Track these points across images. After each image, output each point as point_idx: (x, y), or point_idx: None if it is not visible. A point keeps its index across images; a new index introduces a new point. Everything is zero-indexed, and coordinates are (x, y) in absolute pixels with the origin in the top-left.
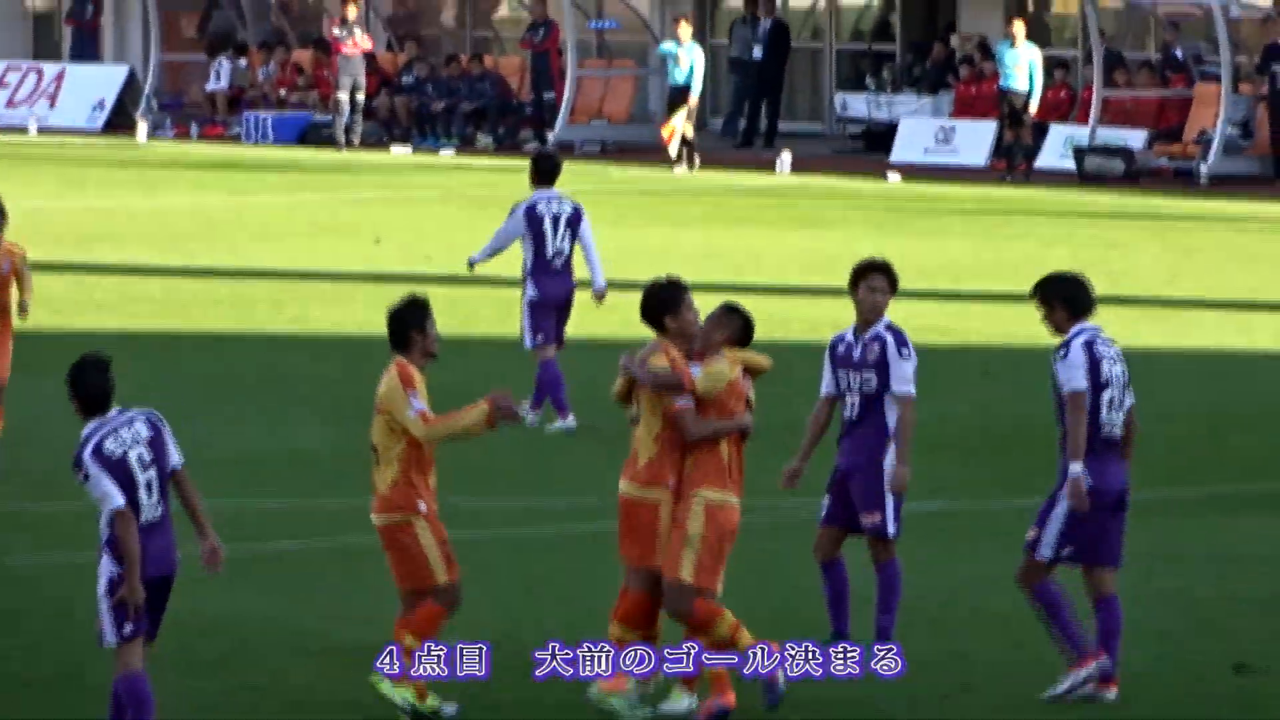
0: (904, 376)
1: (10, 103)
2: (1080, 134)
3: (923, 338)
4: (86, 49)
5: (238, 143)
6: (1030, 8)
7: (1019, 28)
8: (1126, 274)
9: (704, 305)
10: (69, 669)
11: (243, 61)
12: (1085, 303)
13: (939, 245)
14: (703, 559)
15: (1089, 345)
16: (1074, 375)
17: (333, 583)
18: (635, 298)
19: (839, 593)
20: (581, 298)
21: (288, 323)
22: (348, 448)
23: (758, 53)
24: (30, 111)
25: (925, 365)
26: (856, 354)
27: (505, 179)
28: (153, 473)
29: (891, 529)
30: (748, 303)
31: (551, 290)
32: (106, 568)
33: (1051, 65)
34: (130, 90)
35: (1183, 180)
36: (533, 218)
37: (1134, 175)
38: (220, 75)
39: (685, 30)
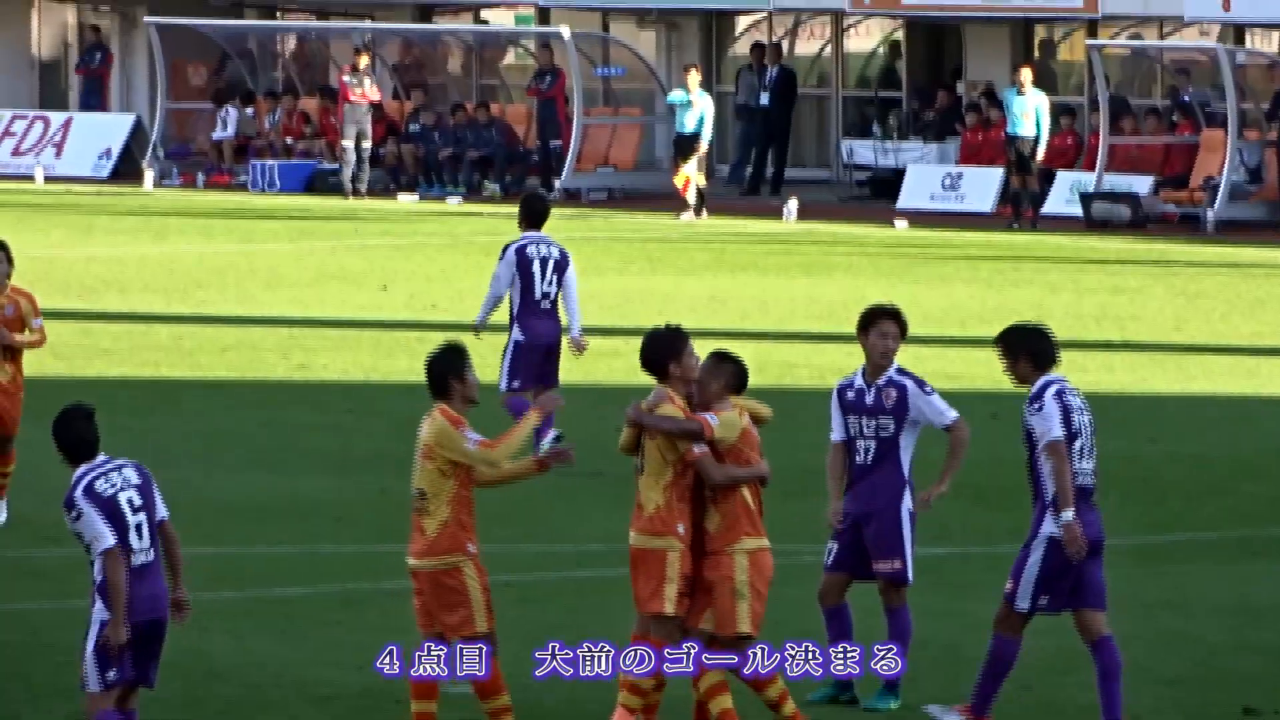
0: (939, 409)
1: (16, 151)
2: (1087, 180)
3: (930, 383)
4: (94, 97)
5: (244, 191)
6: (1036, 54)
7: (1026, 74)
8: (1133, 320)
9: (710, 351)
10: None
11: (249, 110)
12: (1050, 354)
13: (946, 291)
14: (754, 607)
15: (1059, 395)
16: (1051, 426)
17: (339, 628)
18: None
19: (844, 637)
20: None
21: (294, 370)
22: (353, 495)
23: (765, 100)
24: (36, 160)
25: None
26: (869, 400)
27: (512, 226)
28: (143, 517)
29: (910, 575)
30: (753, 349)
31: (538, 332)
32: (99, 614)
33: (1058, 112)
34: (137, 139)
35: (1189, 226)
36: (523, 259)
37: (1140, 221)
38: (227, 123)
39: (694, 79)
